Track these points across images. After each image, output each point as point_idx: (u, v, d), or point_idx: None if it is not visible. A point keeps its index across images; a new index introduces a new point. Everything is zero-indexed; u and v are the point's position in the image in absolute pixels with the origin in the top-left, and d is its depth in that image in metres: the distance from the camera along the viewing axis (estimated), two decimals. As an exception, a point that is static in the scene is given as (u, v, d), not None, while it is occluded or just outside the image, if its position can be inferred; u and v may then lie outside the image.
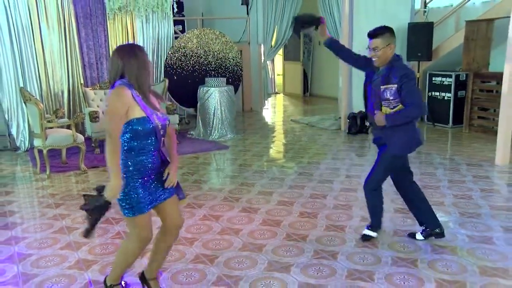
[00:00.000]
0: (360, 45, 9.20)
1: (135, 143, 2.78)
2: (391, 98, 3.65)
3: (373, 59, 3.72)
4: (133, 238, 2.99)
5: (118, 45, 2.85)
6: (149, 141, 2.82)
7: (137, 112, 2.74)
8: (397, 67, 3.66)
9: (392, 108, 3.68)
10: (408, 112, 3.64)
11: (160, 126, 2.83)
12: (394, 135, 3.75)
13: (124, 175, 2.78)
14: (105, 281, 3.19)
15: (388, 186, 5.62)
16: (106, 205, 2.82)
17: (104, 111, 2.66)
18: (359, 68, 4.05)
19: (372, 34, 3.70)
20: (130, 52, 2.75)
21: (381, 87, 3.68)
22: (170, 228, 3.07)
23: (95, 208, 2.81)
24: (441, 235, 4.01)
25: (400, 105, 3.64)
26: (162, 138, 2.94)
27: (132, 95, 2.73)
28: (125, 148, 2.79)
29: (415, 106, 3.62)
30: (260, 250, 3.97)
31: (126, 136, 2.77)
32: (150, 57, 9.26)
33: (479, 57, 8.66)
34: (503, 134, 6.44)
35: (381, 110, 3.75)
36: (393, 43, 3.74)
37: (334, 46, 4.08)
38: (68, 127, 6.76)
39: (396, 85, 3.61)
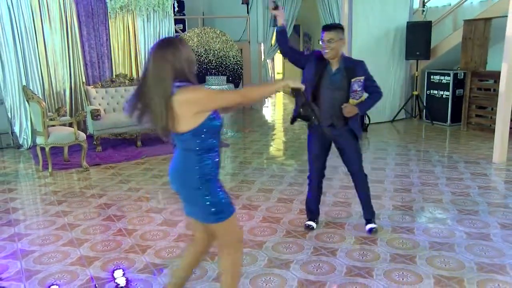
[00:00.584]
0: (359, 45, 9.28)
1: (213, 141, 2.56)
2: (359, 89, 3.93)
3: (326, 50, 3.87)
4: (231, 248, 2.73)
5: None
6: (218, 138, 2.61)
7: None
8: (356, 61, 4.00)
9: (357, 99, 3.95)
10: (377, 98, 4.06)
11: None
12: (354, 122, 4.06)
13: (208, 177, 2.55)
14: None
15: (388, 185, 5.69)
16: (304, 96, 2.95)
17: (203, 98, 2.26)
18: (297, 61, 4.15)
19: (328, 27, 3.93)
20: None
21: (352, 80, 3.89)
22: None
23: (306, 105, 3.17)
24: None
25: (364, 95, 3.99)
26: None
27: None
28: (205, 147, 2.53)
29: (379, 92, 4.06)
30: (260, 246, 4.02)
31: (205, 134, 2.50)
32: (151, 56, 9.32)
33: (476, 56, 8.72)
34: (500, 132, 6.49)
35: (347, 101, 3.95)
36: (344, 40, 4.00)
37: (285, 34, 4.22)
38: (70, 125, 6.80)
39: (363, 77, 3.92)
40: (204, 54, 9.78)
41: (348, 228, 4.38)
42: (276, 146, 8.45)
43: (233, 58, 10.15)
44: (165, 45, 2.50)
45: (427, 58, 9.34)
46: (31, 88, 7.79)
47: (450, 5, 10.09)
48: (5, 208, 5.15)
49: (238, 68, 10.27)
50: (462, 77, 8.98)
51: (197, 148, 2.52)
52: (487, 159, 6.67)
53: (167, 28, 9.48)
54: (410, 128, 9.46)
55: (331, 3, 10.90)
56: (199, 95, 2.48)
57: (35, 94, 6.83)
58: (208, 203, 2.54)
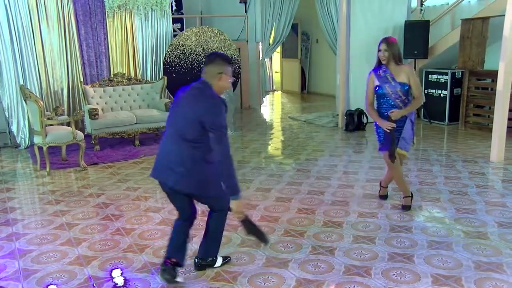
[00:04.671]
0: (357, 44, 9.28)
1: None
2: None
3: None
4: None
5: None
6: None
7: None
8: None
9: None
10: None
11: None
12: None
13: None
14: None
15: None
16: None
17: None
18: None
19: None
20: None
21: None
22: None
23: None
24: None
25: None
26: None
27: None
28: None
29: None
30: (259, 245, 4.01)
31: None
32: (148, 55, 9.32)
33: (474, 55, 8.73)
34: (498, 131, 6.51)
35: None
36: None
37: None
38: (68, 124, 6.80)
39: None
40: (202, 53, 9.78)
41: (346, 227, 4.38)
42: (274, 145, 8.45)
43: (231, 57, 10.15)
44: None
45: (425, 57, 9.35)
46: (28, 87, 7.77)
47: (448, 4, 10.10)
48: (3, 208, 5.14)
49: (236, 67, 10.26)
50: (460, 76, 8.99)
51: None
52: (485, 158, 6.69)
53: (165, 27, 9.48)
54: (408, 127, 9.45)
55: (329, 2, 10.93)
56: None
57: (33, 93, 6.82)
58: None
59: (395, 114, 4.46)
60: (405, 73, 4.48)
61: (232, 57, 3.40)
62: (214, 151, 3.12)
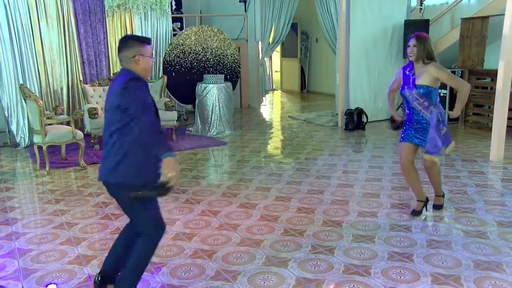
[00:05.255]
0: (357, 43, 9.29)
1: None
2: None
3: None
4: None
5: None
6: None
7: None
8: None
9: None
10: None
11: None
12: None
13: None
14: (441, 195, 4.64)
15: (385, 183, 5.69)
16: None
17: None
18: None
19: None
20: None
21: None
22: None
23: None
24: None
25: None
26: None
27: None
28: None
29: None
30: (258, 245, 4.02)
31: None
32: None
33: (474, 54, 8.73)
34: (498, 130, 6.51)
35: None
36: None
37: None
38: (68, 123, 6.79)
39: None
40: (201, 52, 9.78)
41: (345, 226, 4.38)
42: (274, 144, 8.45)
43: (231, 57, 10.14)
44: None
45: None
46: (28, 86, 7.77)
47: (447, 3, 10.11)
48: (3, 207, 5.14)
49: (236, 66, 10.26)
50: (459, 75, 8.98)
51: None
52: (484, 157, 6.69)
53: (165, 26, 9.48)
54: (407, 126, 9.45)
55: (328, 1, 10.93)
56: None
57: (32, 93, 6.81)
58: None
59: (453, 113, 4.36)
60: (429, 75, 4.23)
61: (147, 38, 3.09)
62: (137, 130, 2.81)
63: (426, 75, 4.24)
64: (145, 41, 3.02)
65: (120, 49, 2.98)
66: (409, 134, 4.49)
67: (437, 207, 4.74)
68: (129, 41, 2.98)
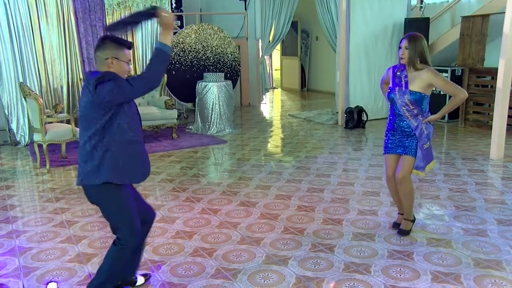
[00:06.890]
0: (357, 41, 9.28)
1: None
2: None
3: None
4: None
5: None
6: None
7: None
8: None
9: None
10: None
11: None
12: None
13: None
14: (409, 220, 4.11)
15: (385, 181, 5.69)
16: None
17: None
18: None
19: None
20: None
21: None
22: None
23: None
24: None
25: None
26: None
27: None
28: None
29: None
30: (258, 243, 4.02)
31: None
32: (148, 53, 9.31)
33: (474, 52, 8.73)
34: (498, 129, 6.51)
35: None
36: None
37: None
38: (68, 121, 6.80)
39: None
40: (202, 50, 9.77)
41: (346, 225, 4.38)
42: (274, 142, 8.45)
43: (231, 55, 10.14)
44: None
45: (425, 54, 9.34)
46: (28, 84, 7.77)
47: (448, 1, 10.10)
48: (3, 205, 5.14)
49: (236, 64, 10.26)
50: (459, 73, 8.98)
51: None
52: (484, 156, 6.69)
53: (165, 25, 9.47)
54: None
55: (328, -1, 10.91)
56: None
57: (32, 91, 6.81)
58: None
59: (433, 116, 3.98)
60: (423, 81, 3.84)
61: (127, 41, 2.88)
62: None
63: (419, 81, 3.85)
64: (125, 44, 2.81)
65: (96, 48, 2.80)
66: (392, 144, 4.07)
67: (403, 232, 4.11)
68: (106, 42, 2.77)
